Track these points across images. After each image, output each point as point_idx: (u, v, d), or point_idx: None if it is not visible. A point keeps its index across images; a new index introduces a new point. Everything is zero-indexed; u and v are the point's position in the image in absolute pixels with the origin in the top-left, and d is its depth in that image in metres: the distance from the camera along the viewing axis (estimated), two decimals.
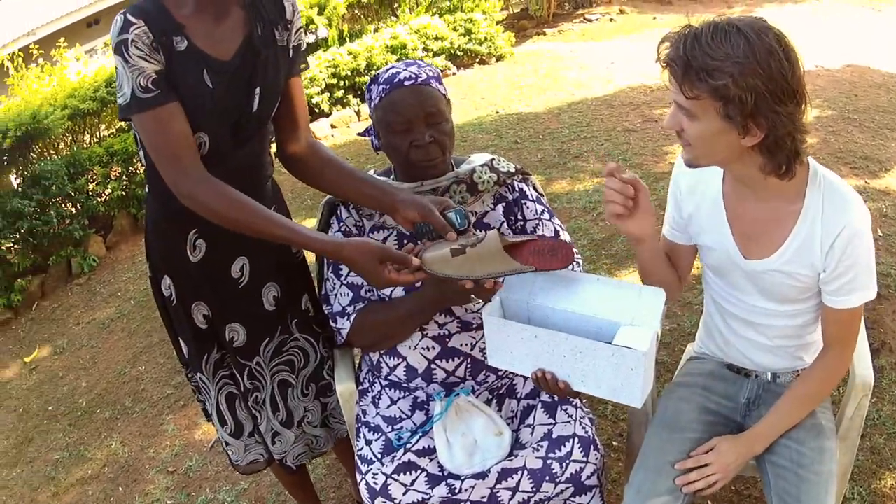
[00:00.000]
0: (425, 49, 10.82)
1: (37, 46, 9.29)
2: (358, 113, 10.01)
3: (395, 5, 11.58)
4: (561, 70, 10.88)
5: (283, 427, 2.81)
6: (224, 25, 2.34)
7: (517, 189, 2.68)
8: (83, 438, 4.76)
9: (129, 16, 2.17)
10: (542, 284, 2.31)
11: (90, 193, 7.71)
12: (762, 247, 2.27)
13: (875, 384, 2.73)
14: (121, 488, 4.18)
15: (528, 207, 2.66)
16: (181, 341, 2.68)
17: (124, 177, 7.88)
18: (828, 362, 2.34)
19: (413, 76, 2.45)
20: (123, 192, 7.83)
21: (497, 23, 12.25)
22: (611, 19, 14.93)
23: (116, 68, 2.19)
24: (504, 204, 2.65)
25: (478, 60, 11.71)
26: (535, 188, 2.76)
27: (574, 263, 2.52)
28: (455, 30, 11.43)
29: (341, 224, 2.61)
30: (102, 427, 4.81)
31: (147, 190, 2.56)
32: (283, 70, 2.51)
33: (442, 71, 10.92)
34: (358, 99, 10.06)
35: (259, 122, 2.47)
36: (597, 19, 14.86)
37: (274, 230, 2.26)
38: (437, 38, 11.07)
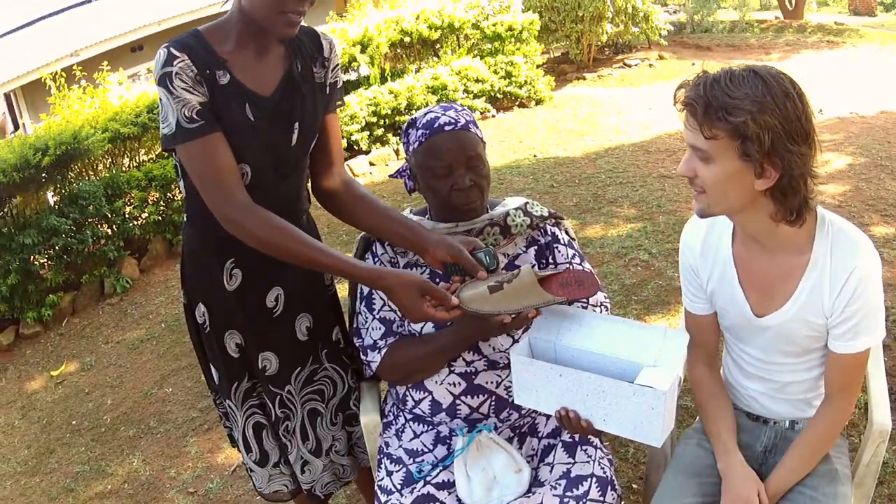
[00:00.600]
0: (466, 91, 10.94)
1: (80, 68, 9.42)
2: (397, 152, 10.13)
3: (437, 46, 11.71)
4: (599, 115, 10.95)
5: (313, 455, 2.83)
6: (265, 61, 2.44)
7: (549, 233, 2.71)
8: (105, 454, 4.78)
9: (172, 50, 2.24)
10: (570, 326, 2.35)
11: (126, 216, 7.82)
12: (773, 301, 2.29)
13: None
14: None
15: (559, 251, 2.69)
16: (212, 368, 2.72)
17: (161, 202, 8.00)
18: (831, 411, 2.34)
19: (453, 121, 2.50)
20: (160, 217, 7.95)
21: (537, 66, 12.37)
22: (650, 65, 15.04)
23: (160, 99, 2.26)
24: (536, 247, 2.68)
25: (517, 103, 11.83)
26: (567, 233, 2.80)
27: (602, 307, 2.60)
28: (496, 72, 11.55)
29: (376, 259, 2.64)
30: (125, 444, 4.84)
31: (185, 219, 2.63)
32: (320, 106, 2.59)
33: (482, 113, 11.10)
34: (397, 138, 10.14)
35: (298, 157, 2.54)
36: (636, 65, 14.99)
37: (317, 257, 2.31)
38: (477, 80, 11.19)
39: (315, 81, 2.57)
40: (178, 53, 2.24)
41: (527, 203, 2.72)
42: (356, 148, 9.95)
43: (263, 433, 2.78)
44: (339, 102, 2.70)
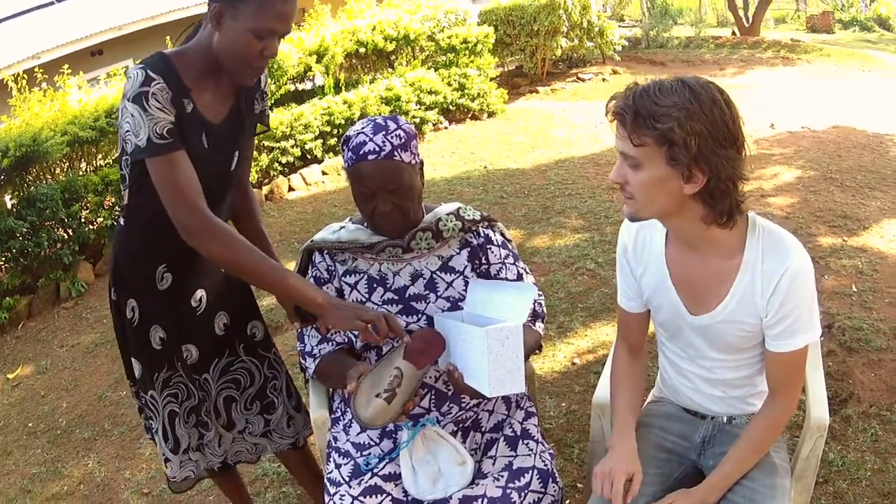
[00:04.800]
0: (419, 102, 11.02)
1: (41, 70, 9.41)
2: None
3: (392, 57, 11.77)
4: (551, 128, 11.08)
5: (224, 430, 3.07)
6: (218, 93, 2.65)
7: (483, 235, 2.83)
8: (61, 456, 4.85)
9: (150, 72, 2.41)
10: (468, 299, 2.67)
11: (83, 220, 7.83)
12: (706, 302, 2.37)
13: (842, 432, 2.85)
14: None
15: (492, 252, 2.81)
16: (133, 361, 2.87)
17: (116, 207, 7.97)
18: (774, 408, 2.40)
19: (377, 149, 2.57)
20: (115, 222, 7.84)
21: (491, 79, 12.47)
22: (603, 79, 15.13)
23: (132, 115, 2.40)
24: (469, 249, 2.79)
25: (470, 116, 11.93)
26: (501, 234, 2.92)
27: (536, 304, 2.82)
28: (449, 84, 11.63)
29: (313, 268, 2.80)
30: (80, 446, 4.91)
31: (122, 223, 2.80)
32: (252, 134, 2.88)
33: (434, 125, 11.16)
34: None
35: (235, 180, 2.81)
36: (589, 79, 15.05)
37: (267, 273, 2.54)
38: (431, 92, 11.26)
39: (254, 113, 2.85)
40: (154, 76, 2.40)
41: (459, 208, 2.84)
42: (309, 157, 10.02)
43: (176, 420, 2.91)
44: (265, 129, 2.97)
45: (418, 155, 2.69)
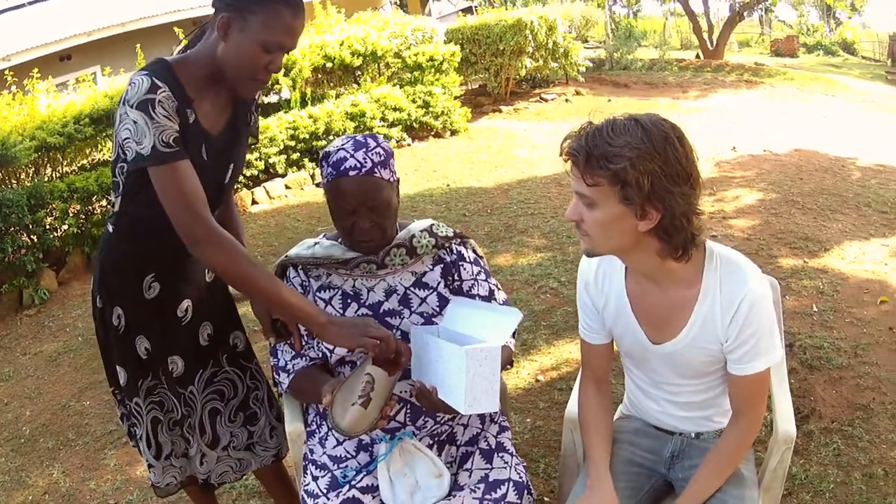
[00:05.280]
0: (383, 119, 11.07)
1: (11, 73, 9.36)
2: (312, 176, 10.26)
3: (358, 73, 11.84)
4: (513, 148, 11.18)
5: (209, 448, 3.03)
6: (217, 103, 2.63)
7: (455, 252, 2.87)
8: (25, 465, 4.82)
9: (155, 80, 2.38)
10: (447, 316, 2.70)
11: (47, 227, 7.78)
12: (668, 330, 2.44)
13: (804, 447, 2.94)
14: None
15: (465, 269, 2.86)
16: (119, 369, 2.85)
17: (82, 215, 7.99)
18: (738, 428, 2.46)
19: (359, 166, 2.60)
20: (80, 230, 7.94)
21: (455, 98, 12.55)
22: (566, 100, 15.29)
23: (134, 122, 2.36)
24: (442, 265, 2.84)
25: (433, 133, 12.01)
26: (473, 251, 2.97)
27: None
28: (414, 102, 11.69)
29: (288, 283, 2.81)
30: (45, 456, 4.89)
31: (111, 231, 2.76)
32: (246, 147, 2.87)
33: (398, 142, 11.22)
34: (314, 163, 10.27)
35: (227, 191, 2.84)
36: (553, 99, 15.23)
37: (267, 286, 2.50)
38: (395, 109, 11.31)
39: (247, 125, 2.84)
40: (160, 84, 2.38)
41: (432, 224, 2.87)
42: (272, 171, 10.06)
43: (159, 427, 2.92)
44: (254, 141, 2.97)
45: (395, 173, 2.73)
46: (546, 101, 15.23)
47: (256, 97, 2.83)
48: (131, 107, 2.37)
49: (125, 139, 2.40)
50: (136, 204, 2.60)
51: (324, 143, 10.15)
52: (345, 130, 10.29)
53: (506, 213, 8.25)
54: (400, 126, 11.43)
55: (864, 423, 4.30)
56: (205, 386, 2.97)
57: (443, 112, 12.03)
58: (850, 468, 3.91)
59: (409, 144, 11.60)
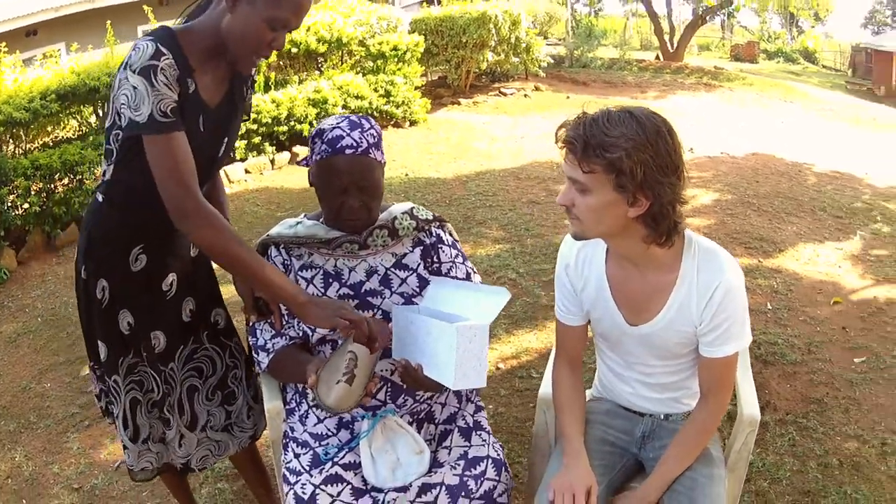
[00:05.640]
0: (345, 106, 11.07)
1: None
2: (272, 161, 10.23)
3: (321, 60, 11.85)
4: (472, 140, 11.26)
5: (188, 430, 3.00)
6: (216, 76, 2.62)
7: (434, 234, 2.96)
8: None
9: (160, 46, 2.37)
10: (430, 293, 2.79)
11: (9, 205, 7.63)
12: (644, 314, 2.57)
13: (760, 437, 3.07)
14: (24, 501, 4.22)
15: (443, 251, 2.94)
16: (100, 343, 2.84)
17: (43, 193, 7.88)
18: (706, 409, 2.60)
19: (354, 145, 2.65)
20: (41, 209, 7.80)
21: (416, 88, 12.60)
22: (525, 95, 15.42)
23: (134, 87, 2.34)
24: (422, 248, 2.91)
25: (392, 123, 12.02)
26: (451, 234, 3.05)
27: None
28: (375, 90, 11.72)
29: (270, 262, 2.82)
30: (6, 439, 4.84)
31: (101, 199, 2.73)
32: (240, 122, 2.86)
33: None
34: (274, 147, 10.28)
35: (219, 167, 2.83)
36: (512, 94, 15.33)
37: (251, 264, 2.54)
38: (357, 97, 11.33)
39: (243, 100, 2.82)
40: (164, 51, 2.36)
41: (413, 208, 2.94)
42: (232, 155, 9.84)
43: (137, 408, 2.91)
44: (246, 118, 2.94)
45: (384, 156, 2.79)
46: (505, 95, 15.33)
47: (253, 73, 2.83)
48: (133, 71, 2.35)
49: (122, 104, 2.39)
50: (130, 172, 2.57)
51: (285, 128, 10.17)
52: (307, 116, 10.28)
53: (464, 205, 8.33)
54: (361, 114, 11.19)
55: (818, 416, 4.47)
56: (184, 363, 2.96)
57: (403, 102, 12.06)
58: (805, 458, 4.08)
59: None
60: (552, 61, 18.42)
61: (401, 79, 12.17)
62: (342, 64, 11.97)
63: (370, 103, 11.53)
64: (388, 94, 11.92)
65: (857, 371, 5.05)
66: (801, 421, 4.43)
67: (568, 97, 15.81)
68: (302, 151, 10.15)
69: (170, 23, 2.64)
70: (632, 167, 2.20)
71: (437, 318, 2.54)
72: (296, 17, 2.50)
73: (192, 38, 2.51)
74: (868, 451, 4.20)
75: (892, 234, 7.90)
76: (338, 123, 2.71)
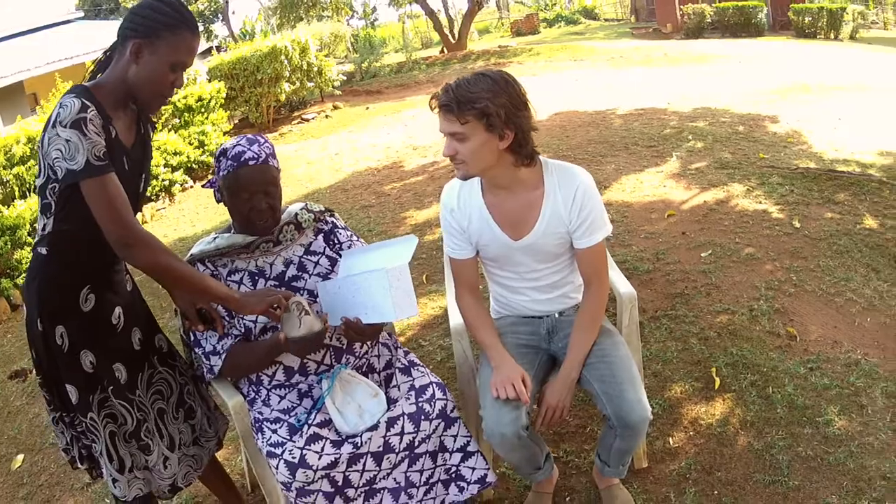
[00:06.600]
0: (167, 165, 11.18)
1: None
2: None
3: None
4: (290, 168, 11.48)
5: (168, 451, 3.18)
6: (126, 121, 2.91)
7: (329, 222, 3.47)
8: None
9: (83, 100, 2.63)
10: (344, 263, 3.26)
11: None
12: (524, 228, 3.15)
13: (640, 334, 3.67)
14: None
15: (340, 234, 3.45)
16: (69, 387, 2.93)
17: None
18: (592, 294, 3.22)
19: (256, 156, 3.09)
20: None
21: (224, 133, 12.74)
22: (326, 116, 15.81)
23: (66, 140, 2.58)
24: (323, 234, 3.43)
25: (211, 172, 11.94)
26: (340, 220, 3.55)
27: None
28: (190, 143, 11.84)
29: None
30: None
31: (45, 252, 2.87)
32: (150, 159, 3.17)
33: (181, 185, 11.39)
34: None
35: (140, 200, 3.11)
36: (313, 118, 15.70)
37: (191, 275, 2.89)
38: (175, 153, 11.43)
39: (150, 140, 3.13)
40: (88, 103, 2.63)
41: (306, 203, 3.45)
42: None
43: (117, 440, 3.01)
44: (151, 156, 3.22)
45: (279, 163, 3.24)
46: (308, 120, 15.70)
47: (153, 116, 3.12)
48: (64, 127, 2.58)
49: (55, 159, 2.60)
50: (70, 220, 2.78)
51: None
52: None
53: None
54: (182, 170, 11.56)
55: (684, 306, 5.15)
56: (147, 389, 3.14)
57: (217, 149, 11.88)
58: (685, 338, 4.74)
59: (191, 186, 11.72)
60: (345, 79, 18.72)
61: (210, 127, 12.34)
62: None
63: (188, 157, 11.67)
64: (202, 145, 12.07)
65: (707, 262, 5.75)
66: (670, 313, 5.06)
67: (367, 108, 16.32)
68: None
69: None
70: (496, 110, 2.84)
71: (353, 282, 3.04)
72: (191, 58, 2.86)
73: (104, 90, 2.79)
74: (740, 319, 4.89)
75: (705, 147, 8.83)
76: (238, 142, 3.14)
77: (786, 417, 3.96)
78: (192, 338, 3.22)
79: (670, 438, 3.93)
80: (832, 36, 30.97)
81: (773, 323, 4.86)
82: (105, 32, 16.54)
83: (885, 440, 3.76)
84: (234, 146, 3.13)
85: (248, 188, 3.11)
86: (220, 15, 38.07)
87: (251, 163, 3.09)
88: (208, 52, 27.29)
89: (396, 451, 3.02)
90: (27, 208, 8.34)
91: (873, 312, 5.04)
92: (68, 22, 27.21)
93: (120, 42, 2.82)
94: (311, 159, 12.10)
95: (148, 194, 7.77)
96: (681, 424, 4.04)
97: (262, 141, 3.19)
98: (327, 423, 3.04)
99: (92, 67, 3.02)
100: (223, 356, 3.13)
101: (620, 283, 3.49)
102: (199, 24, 2.89)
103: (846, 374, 4.32)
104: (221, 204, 3.24)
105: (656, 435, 3.94)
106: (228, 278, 3.23)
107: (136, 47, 2.75)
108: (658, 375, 4.44)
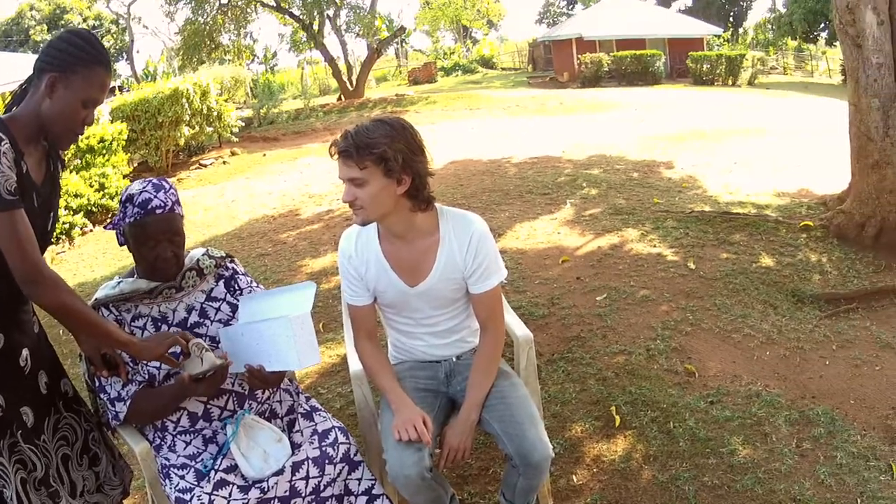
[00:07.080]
0: (67, 207, 10.97)
1: None
2: None
3: None
4: (188, 215, 10.33)
5: (70, 497, 3.02)
6: (36, 157, 2.85)
7: (230, 268, 3.46)
8: None
9: None
10: (243, 310, 3.27)
11: None
12: (419, 274, 3.21)
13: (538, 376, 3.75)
14: None
15: (241, 280, 3.46)
16: None
17: None
18: (489, 337, 3.28)
19: (163, 205, 3.06)
20: None
21: (124, 177, 12.66)
22: (224, 162, 15.85)
23: None
24: (223, 280, 3.43)
25: (111, 215, 11.76)
26: (240, 266, 3.55)
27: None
28: (91, 186, 11.68)
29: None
30: None
31: None
32: (59, 197, 3.10)
33: (81, 229, 11.22)
34: None
35: (48, 239, 3.01)
36: (211, 163, 15.72)
37: (94, 319, 2.84)
38: (76, 195, 11.28)
39: (59, 177, 3.06)
40: (3, 136, 2.58)
41: (207, 249, 3.44)
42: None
43: (27, 486, 2.86)
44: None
45: (182, 209, 3.25)
46: (205, 166, 15.71)
47: (60, 152, 3.02)
48: None
49: None
50: None
51: None
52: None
53: None
54: (81, 212, 11.40)
55: (580, 348, 5.25)
56: (52, 434, 3.03)
57: (117, 193, 11.87)
58: (583, 379, 4.83)
59: (91, 230, 11.55)
60: (243, 124, 18.71)
61: (111, 169, 12.21)
62: None
63: (88, 199, 11.50)
64: (102, 188, 11.92)
65: (603, 305, 5.88)
66: (567, 356, 5.16)
67: (264, 155, 16.40)
68: None
69: None
70: (394, 154, 2.92)
71: (254, 329, 3.06)
72: (102, 95, 2.84)
73: (17, 124, 2.74)
74: (637, 359, 5.02)
75: (600, 193, 9.05)
76: (144, 188, 3.10)
77: (689, 450, 4.09)
78: (97, 384, 3.17)
79: (574, 476, 4.01)
80: (730, 82, 31.99)
81: (671, 361, 5.01)
82: (14, 64, 16.06)
83: (792, 465, 3.91)
84: (141, 192, 3.11)
85: (154, 237, 3.10)
86: (124, 54, 37.77)
87: (158, 212, 3.08)
88: (112, 91, 27.09)
89: (303, 495, 3.02)
90: None
91: (772, 346, 5.25)
92: None
93: (36, 75, 2.80)
94: (209, 205, 12.10)
95: None
96: (584, 462, 4.13)
97: (168, 187, 3.18)
98: (233, 468, 3.03)
99: (8, 99, 2.99)
100: (128, 402, 3.11)
101: (517, 326, 3.58)
102: None
103: (748, 405, 4.48)
104: (123, 248, 3.24)
105: (559, 473, 4.01)
106: (132, 324, 3.21)
107: (51, 81, 2.74)
108: (558, 416, 4.52)
